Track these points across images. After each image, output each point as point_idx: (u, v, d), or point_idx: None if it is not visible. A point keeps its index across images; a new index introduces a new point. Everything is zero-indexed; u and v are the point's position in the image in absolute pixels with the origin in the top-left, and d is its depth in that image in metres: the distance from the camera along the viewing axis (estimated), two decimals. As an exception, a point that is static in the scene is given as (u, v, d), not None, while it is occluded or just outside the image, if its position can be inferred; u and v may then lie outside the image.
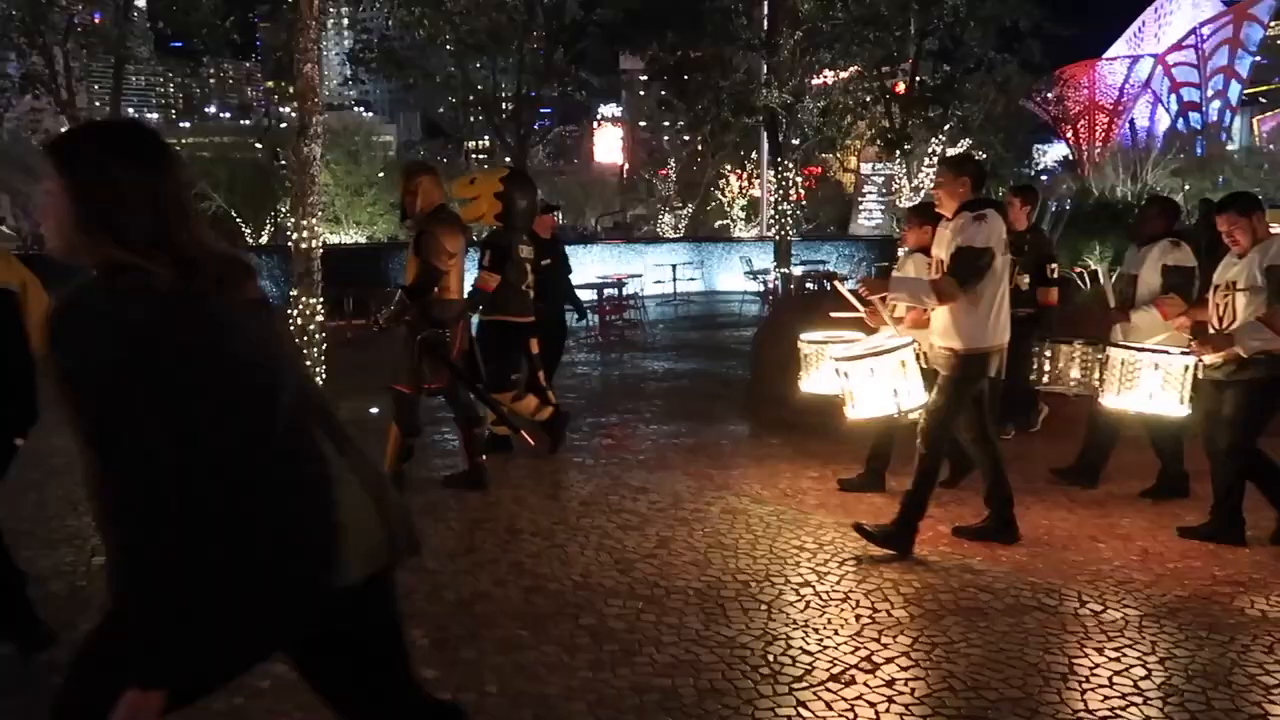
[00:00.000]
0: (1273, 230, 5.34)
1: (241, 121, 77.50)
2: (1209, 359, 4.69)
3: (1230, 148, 71.18)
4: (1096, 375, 5.33)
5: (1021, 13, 16.75)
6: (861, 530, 4.61)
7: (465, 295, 6.08)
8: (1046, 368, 5.76)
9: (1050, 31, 17.29)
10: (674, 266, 19.92)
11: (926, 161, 19.38)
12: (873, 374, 4.82)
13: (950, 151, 19.39)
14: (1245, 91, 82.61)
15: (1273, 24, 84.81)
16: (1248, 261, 4.54)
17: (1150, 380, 4.89)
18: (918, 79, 17.88)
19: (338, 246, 24.37)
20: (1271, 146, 70.58)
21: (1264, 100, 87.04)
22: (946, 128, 18.47)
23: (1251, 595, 4.07)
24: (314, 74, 7.68)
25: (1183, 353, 4.84)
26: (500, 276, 6.16)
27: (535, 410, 6.42)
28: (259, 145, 35.77)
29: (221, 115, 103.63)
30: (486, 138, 38.19)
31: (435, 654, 3.52)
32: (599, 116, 71.98)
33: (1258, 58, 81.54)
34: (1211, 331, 4.70)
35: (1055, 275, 6.86)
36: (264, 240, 32.20)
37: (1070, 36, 18.11)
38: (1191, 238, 6.11)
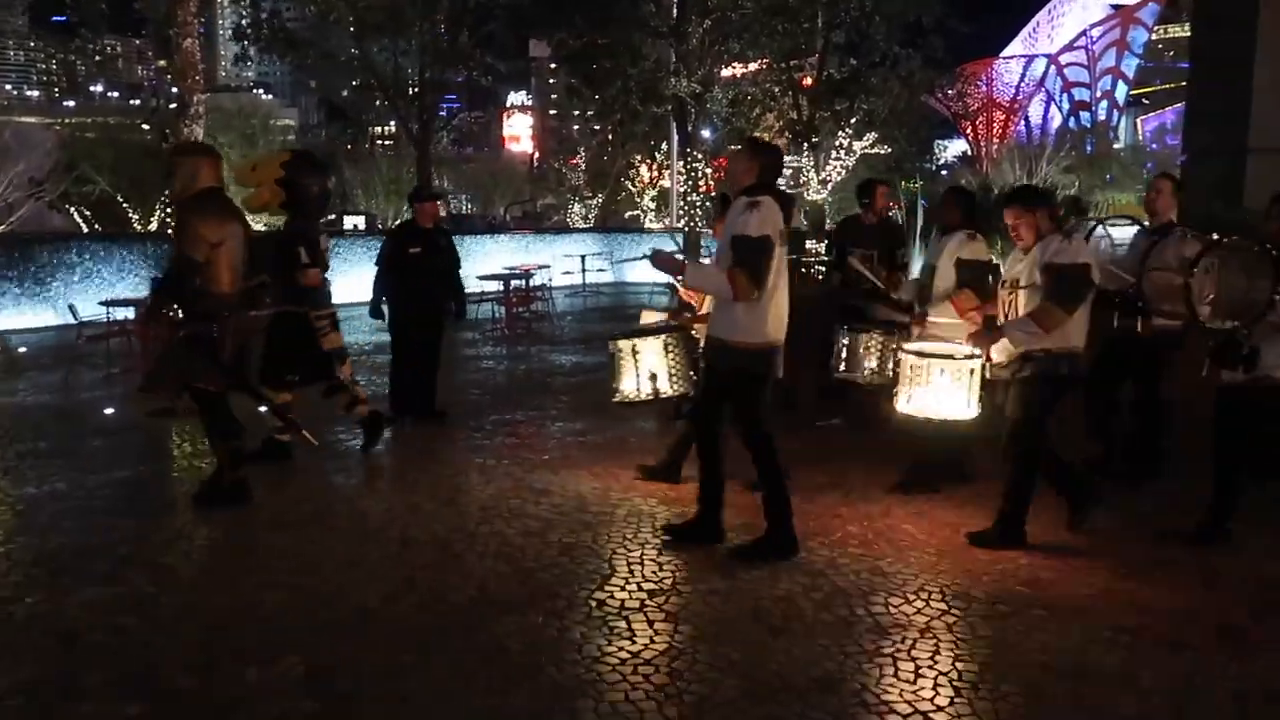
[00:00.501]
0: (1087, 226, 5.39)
1: (130, 101, 73.94)
2: (997, 357, 4.64)
3: (1117, 146, 74.33)
4: (891, 366, 5.22)
5: (925, 9, 16.97)
6: (671, 530, 4.57)
7: (290, 290, 5.75)
8: (844, 356, 5.66)
9: (952, 27, 17.56)
10: (583, 257, 19.65)
11: (833, 154, 19.55)
12: (635, 356, 4.70)
13: (858, 146, 19.63)
14: (1130, 92, 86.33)
15: (1156, 28, 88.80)
16: (1029, 259, 4.49)
17: (939, 383, 4.81)
18: (825, 72, 17.97)
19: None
20: (1154, 145, 73.98)
21: (1146, 101, 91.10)
22: (853, 121, 18.63)
23: (1153, 589, 4.07)
24: (194, 49, 7.20)
25: (968, 355, 4.77)
26: (319, 267, 5.76)
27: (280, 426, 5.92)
28: (146, 127, 34.12)
29: (109, 95, 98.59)
30: (393, 123, 37.24)
31: (309, 684, 3.23)
32: (509, 104, 71.00)
33: (1142, 60, 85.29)
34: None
35: (904, 261, 6.92)
36: (153, 226, 30.73)
37: (970, 34, 18.46)
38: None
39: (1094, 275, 4.52)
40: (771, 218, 4.19)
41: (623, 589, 4.03)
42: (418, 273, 7.06)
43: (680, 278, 4.48)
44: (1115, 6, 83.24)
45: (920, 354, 4.92)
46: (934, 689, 3.23)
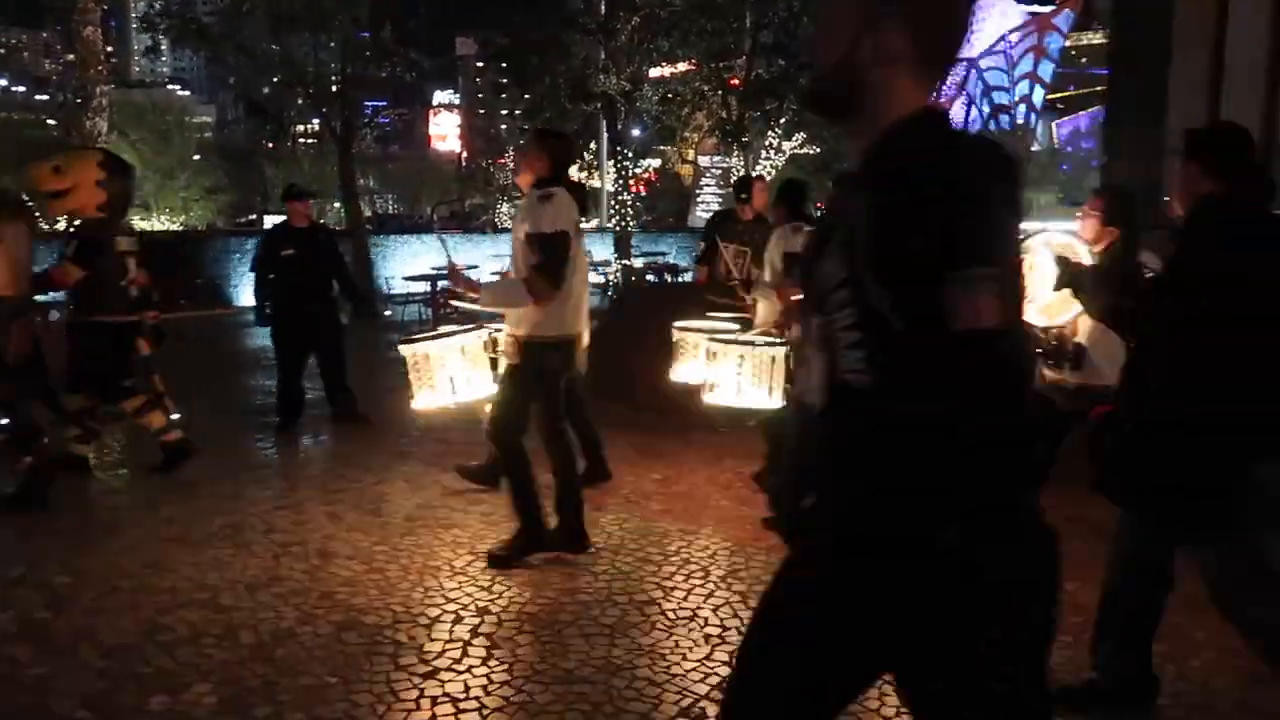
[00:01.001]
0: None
1: (36, 96, 71.08)
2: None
3: (1035, 149, 76.52)
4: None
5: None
6: (494, 559, 4.26)
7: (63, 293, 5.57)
8: (674, 355, 5.42)
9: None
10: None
11: (763, 154, 19.61)
12: (428, 361, 4.54)
13: (787, 146, 19.73)
14: (1047, 97, 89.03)
15: (1071, 35, 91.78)
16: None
17: (740, 371, 4.68)
18: (754, 72, 18.00)
19: (148, 234, 22.46)
20: (1070, 148, 76.38)
21: (1061, 106, 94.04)
22: (782, 121, 18.71)
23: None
24: (96, 38, 6.82)
25: (768, 343, 4.68)
26: (84, 271, 5.36)
27: (163, 427, 5.69)
28: (52, 121, 32.77)
29: (14, 89, 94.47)
30: (316, 121, 36.53)
31: (221, 713, 2.99)
32: (435, 102, 70.01)
33: (1057, 66, 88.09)
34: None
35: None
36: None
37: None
38: None
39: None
40: (565, 211, 4.10)
41: (556, 601, 3.87)
42: (294, 275, 6.81)
43: (475, 296, 4.34)
44: (1032, 13, 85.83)
45: (723, 341, 4.76)
46: (878, 697, 3.13)
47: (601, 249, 19.90)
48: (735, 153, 18.97)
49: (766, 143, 19.61)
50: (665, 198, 44.25)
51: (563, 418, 4.32)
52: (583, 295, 4.39)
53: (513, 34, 18.57)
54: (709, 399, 4.80)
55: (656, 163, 39.79)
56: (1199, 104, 9.45)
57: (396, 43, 17.41)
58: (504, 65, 20.79)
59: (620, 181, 18.76)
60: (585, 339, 4.86)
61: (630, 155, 19.45)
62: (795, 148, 20.95)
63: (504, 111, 55.47)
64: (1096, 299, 3.24)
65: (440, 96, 70.37)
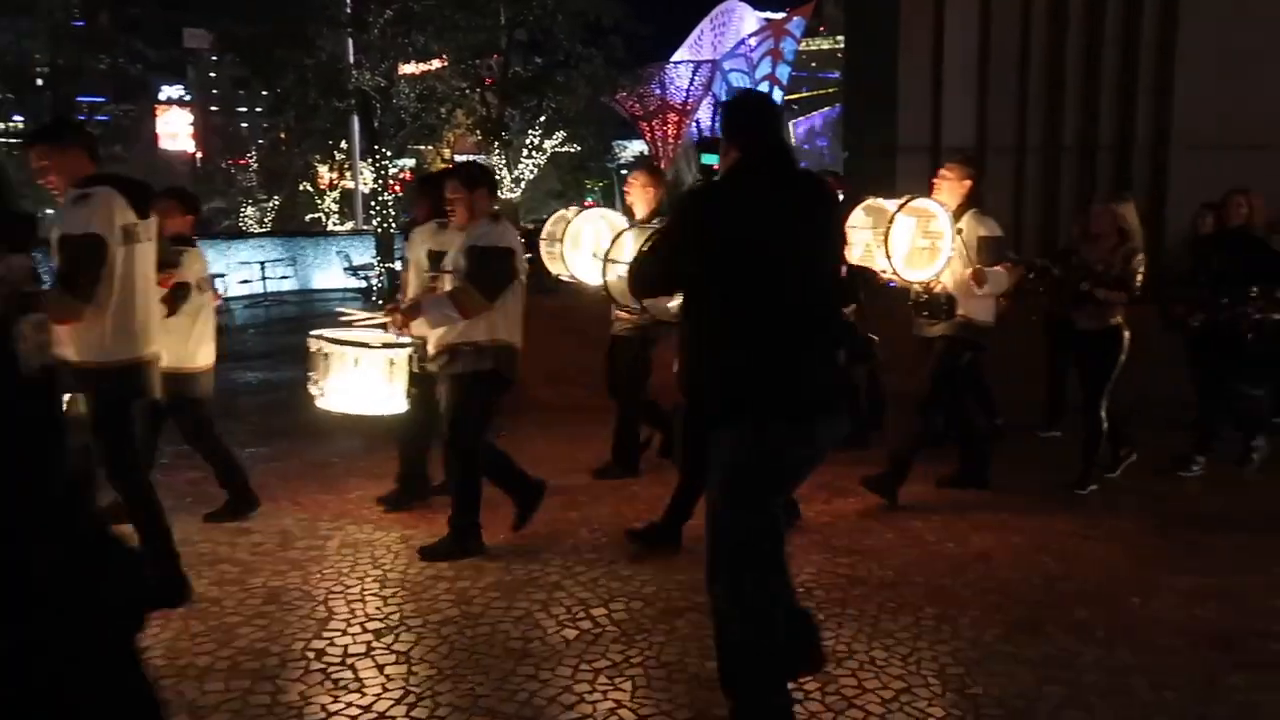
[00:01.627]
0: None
1: None
2: (431, 349, 4.35)
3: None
4: (315, 369, 4.70)
5: (605, 9, 17.38)
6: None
7: None
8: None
9: (630, 29, 18.16)
10: (262, 264, 18.25)
11: (524, 153, 19.54)
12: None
13: (548, 144, 19.77)
14: (785, 98, 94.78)
15: (803, 40, 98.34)
16: (459, 241, 4.30)
17: (356, 376, 4.53)
18: (511, 70, 17.90)
19: None
20: (807, 146, 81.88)
21: (796, 107, 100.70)
22: (542, 119, 18.73)
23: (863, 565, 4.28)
24: None
25: (386, 345, 4.54)
26: None
27: None
28: None
29: None
30: (20, 119, 32.66)
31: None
32: (164, 97, 64.43)
33: (792, 69, 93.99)
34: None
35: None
36: None
37: (647, 37, 19.26)
38: None
39: (519, 263, 4.37)
40: (105, 212, 3.54)
41: (344, 633, 3.60)
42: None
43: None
44: (767, 19, 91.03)
45: (333, 341, 4.59)
46: (688, 693, 3.14)
47: (363, 252, 19.11)
48: (496, 151, 18.78)
49: (527, 141, 19.58)
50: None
51: (132, 461, 3.79)
52: (149, 310, 3.77)
53: (249, 25, 17.34)
54: (320, 403, 4.66)
55: (412, 162, 38.87)
56: (923, 106, 10.34)
57: (117, 31, 15.81)
58: (238, 60, 19.35)
59: (380, 182, 18.06)
60: (205, 360, 4.80)
61: (389, 155, 18.75)
62: (556, 146, 21.06)
63: (243, 109, 52.01)
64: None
65: (169, 91, 64.86)
